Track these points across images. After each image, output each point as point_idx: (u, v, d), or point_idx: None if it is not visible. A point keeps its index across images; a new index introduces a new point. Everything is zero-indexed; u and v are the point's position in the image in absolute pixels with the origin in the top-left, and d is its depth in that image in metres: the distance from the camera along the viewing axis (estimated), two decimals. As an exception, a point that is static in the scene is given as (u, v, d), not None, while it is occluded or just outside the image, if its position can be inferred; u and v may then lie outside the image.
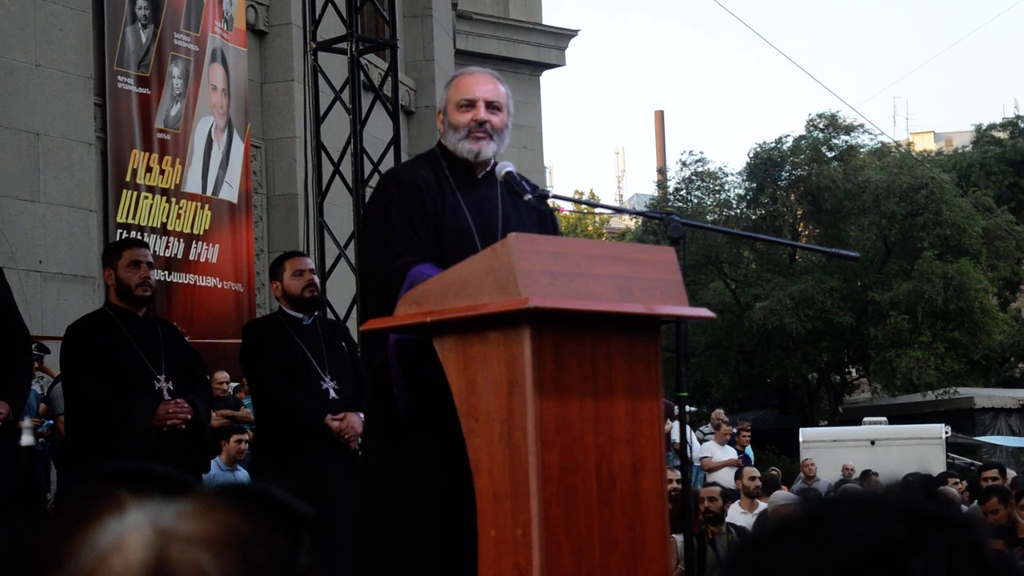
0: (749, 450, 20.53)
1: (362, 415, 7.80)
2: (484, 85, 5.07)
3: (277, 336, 7.72)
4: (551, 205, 5.07)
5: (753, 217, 33.54)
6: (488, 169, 5.09)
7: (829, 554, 1.27)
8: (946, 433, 24.21)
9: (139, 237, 12.59)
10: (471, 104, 5.01)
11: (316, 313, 7.96)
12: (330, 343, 7.80)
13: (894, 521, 1.28)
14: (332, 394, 7.61)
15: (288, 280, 7.81)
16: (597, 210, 44.02)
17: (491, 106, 5.03)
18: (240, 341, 8.10)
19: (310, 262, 8.10)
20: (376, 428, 4.95)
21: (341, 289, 11.81)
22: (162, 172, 13.52)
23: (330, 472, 7.45)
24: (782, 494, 11.22)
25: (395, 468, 4.78)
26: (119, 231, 12.74)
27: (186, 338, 7.90)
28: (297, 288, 7.78)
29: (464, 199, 4.99)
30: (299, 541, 1.25)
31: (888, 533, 1.27)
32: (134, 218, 13.12)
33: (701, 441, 19.48)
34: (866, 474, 18.70)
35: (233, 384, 12.97)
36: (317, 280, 7.97)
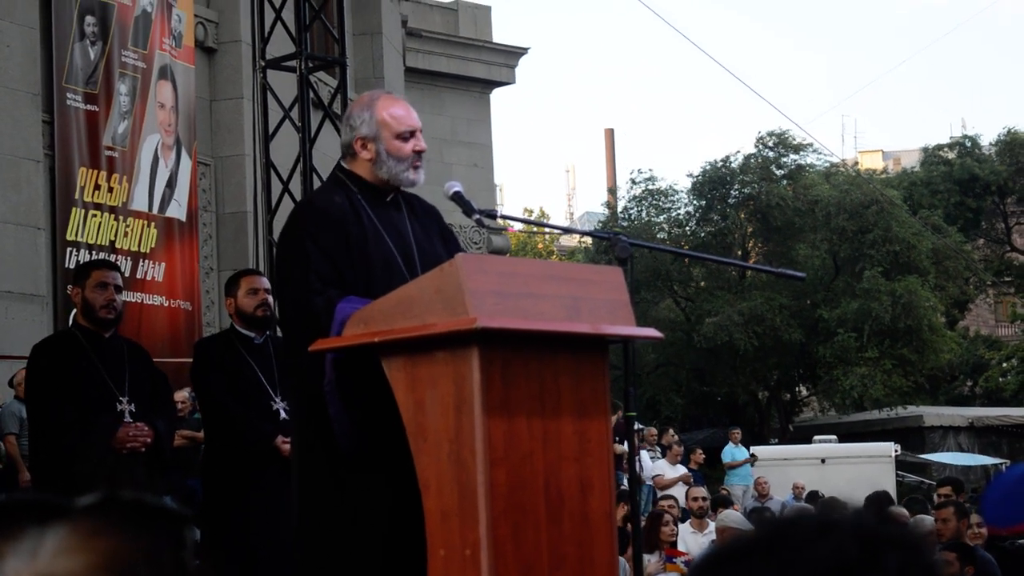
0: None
1: None
2: (413, 112, 5.07)
3: (228, 354, 7.68)
4: (500, 224, 5.07)
5: (703, 235, 33.62)
6: (395, 192, 5.07)
7: (789, 573, 1.32)
8: (896, 451, 24.39)
9: (91, 256, 12.50)
10: (412, 134, 4.99)
11: (268, 332, 7.92)
12: (282, 362, 7.71)
13: (850, 543, 1.34)
14: (283, 414, 7.56)
15: (242, 298, 7.80)
16: (546, 230, 44.05)
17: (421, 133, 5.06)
18: (190, 359, 8.07)
19: (266, 281, 8.01)
20: (316, 463, 4.79)
21: (291, 307, 11.74)
22: (110, 190, 13.42)
23: (279, 494, 7.37)
24: (731, 513, 11.25)
25: (341, 507, 4.68)
26: (68, 249, 12.64)
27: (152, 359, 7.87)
28: (250, 306, 7.76)
29: (381, 223, 4.94)
30: (182, 541, 1.26)
31: (844, 554, 1.33)
32: (82, 236, 13.01)
33: (653, 459, 19.50)
34: (813, 496, 18.77)
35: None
36: (271, 300, 7.89)
